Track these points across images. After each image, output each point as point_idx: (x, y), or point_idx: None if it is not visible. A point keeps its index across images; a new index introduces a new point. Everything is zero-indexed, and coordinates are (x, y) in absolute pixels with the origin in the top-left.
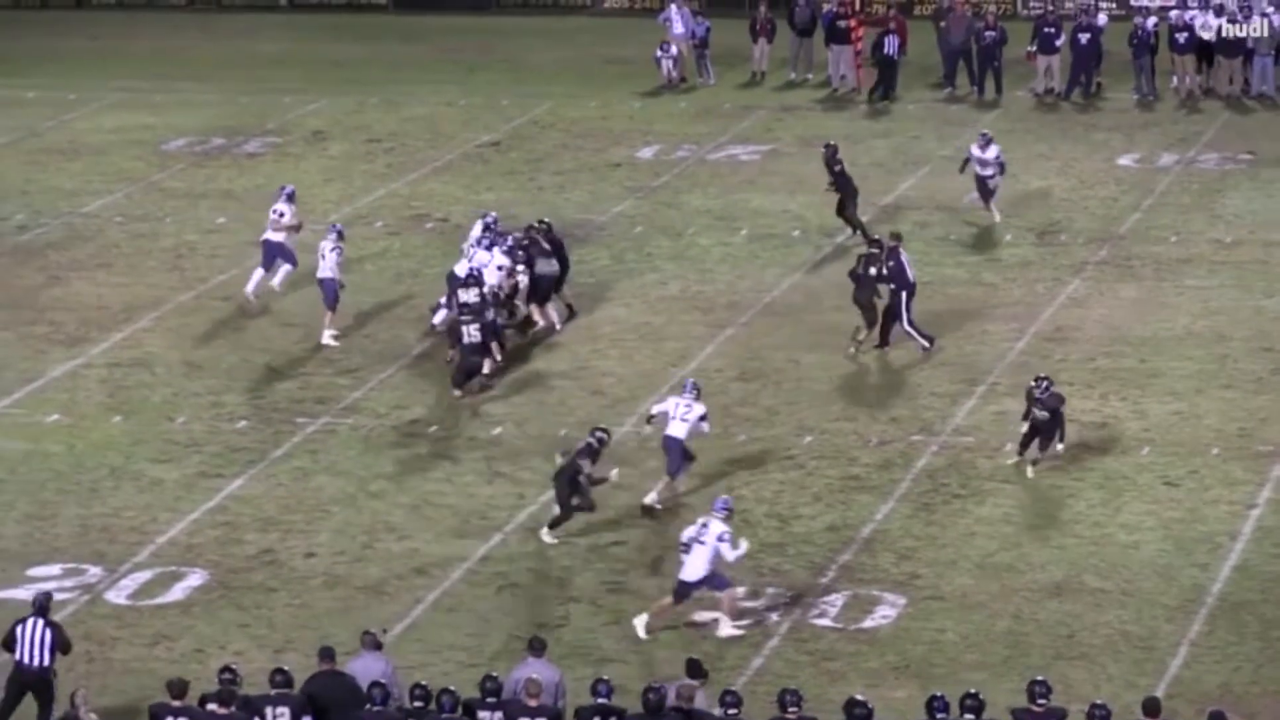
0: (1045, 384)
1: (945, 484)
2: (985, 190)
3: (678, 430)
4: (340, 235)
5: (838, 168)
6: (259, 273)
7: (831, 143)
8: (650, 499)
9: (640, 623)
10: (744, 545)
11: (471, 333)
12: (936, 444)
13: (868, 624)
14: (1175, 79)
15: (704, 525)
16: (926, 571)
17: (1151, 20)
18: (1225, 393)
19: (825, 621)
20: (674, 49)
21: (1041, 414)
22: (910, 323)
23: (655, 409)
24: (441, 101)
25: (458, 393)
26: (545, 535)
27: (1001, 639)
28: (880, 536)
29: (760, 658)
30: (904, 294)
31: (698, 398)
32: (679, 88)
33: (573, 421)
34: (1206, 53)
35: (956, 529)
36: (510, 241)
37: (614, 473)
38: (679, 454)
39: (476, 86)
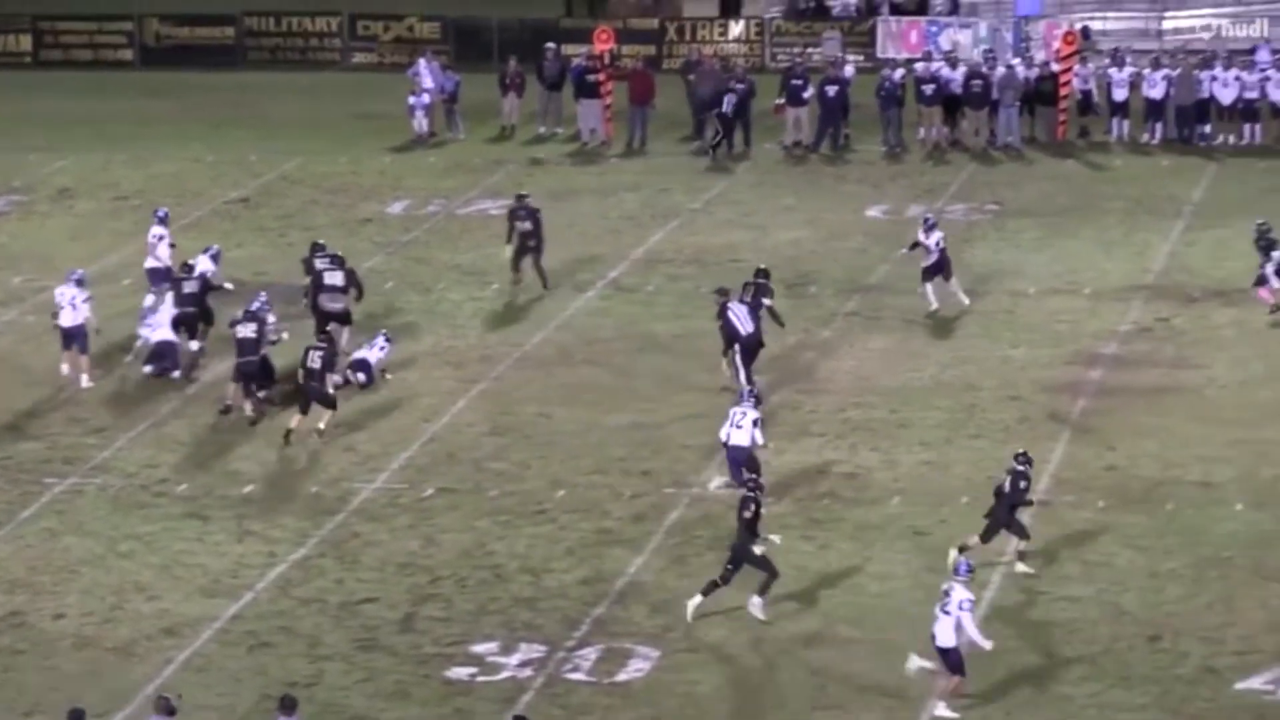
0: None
1: (698, 536)
2: (929, 272)
3: (740, 439)
4: (81, 282)
5: (531, 220)
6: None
7: (524, 194)
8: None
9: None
10: (986, 643)
11: (315, 358)
12: (689, 496)
13: (621, 677)
14: (922, 130)
15: (947, 593)
16: (680, 624)
17: (899, 72)
18: (974, 442)
19: (579, 675)
20: (426, 97)
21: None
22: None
23: (721, 432)
24: (189, 158)
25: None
26: (757, 609)
27: (755, 690)
28: (633, 589)
29: (513, 713)
30: (735, 345)
31: (755, 405)
32: (429, 142)
33: (325, 479)
34: (953, 104)
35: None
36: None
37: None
38: (739, 463)
39: (225, 143)
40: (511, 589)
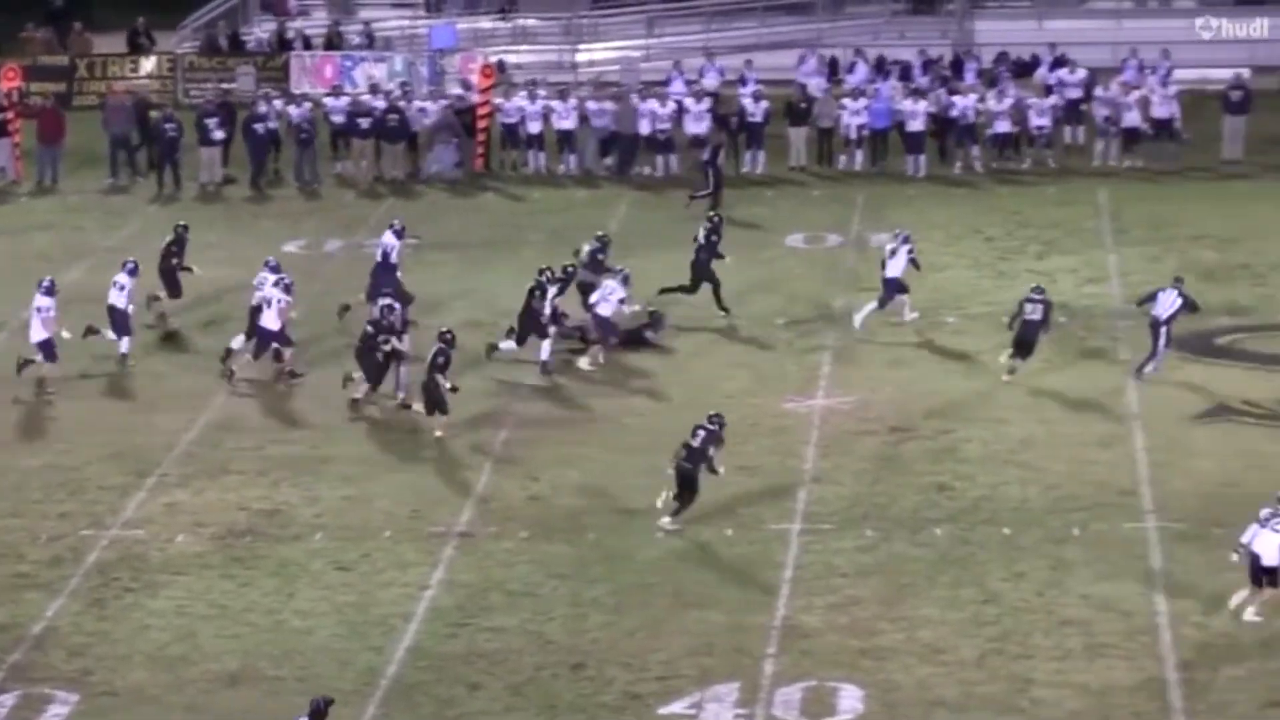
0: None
1: (117, 578)
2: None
3: (896, 270)
4: None
5: None
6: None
7: None
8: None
9: (1243, 611)
10: None
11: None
12: (107, 538)
13: None
14: (339, 165)
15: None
16: (99, 667)
17: (306, 106)
18: (396, 475)
19: None
20: None
21: None
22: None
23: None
24: None
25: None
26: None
27: None
28: (51, 634)
29: None
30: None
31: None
32: None
33: None
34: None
35: (129, 623)
36: None
37: None
38: (901, 290)
39: None
40: None
